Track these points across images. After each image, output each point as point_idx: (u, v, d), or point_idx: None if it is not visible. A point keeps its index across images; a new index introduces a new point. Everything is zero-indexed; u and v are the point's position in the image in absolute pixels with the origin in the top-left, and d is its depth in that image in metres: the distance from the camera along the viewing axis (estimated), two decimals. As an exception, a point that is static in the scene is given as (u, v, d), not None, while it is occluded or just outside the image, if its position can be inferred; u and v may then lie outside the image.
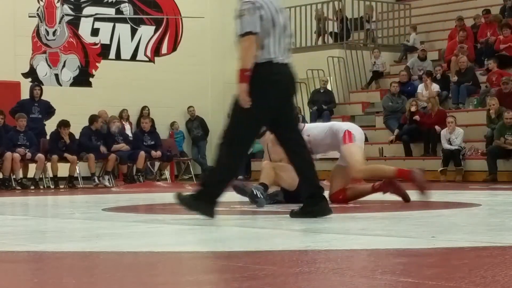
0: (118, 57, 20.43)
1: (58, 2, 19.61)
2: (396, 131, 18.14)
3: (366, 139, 18.98)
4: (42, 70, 19.31)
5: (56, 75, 19.52)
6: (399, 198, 8.51)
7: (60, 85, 19.52)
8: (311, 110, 20.34)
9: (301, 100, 20.88)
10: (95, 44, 20.11)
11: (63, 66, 19.62)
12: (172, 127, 20.76)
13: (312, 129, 8.77)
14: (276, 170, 8.53)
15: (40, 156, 15.56)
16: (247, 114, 6.36)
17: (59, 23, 19.61)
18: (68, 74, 19.69)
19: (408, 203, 8.41)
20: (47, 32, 19.40)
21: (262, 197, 8.11)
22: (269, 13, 6.40)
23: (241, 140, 6.50)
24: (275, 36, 6.43)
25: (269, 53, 6.42)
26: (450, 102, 18.64)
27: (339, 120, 20.21)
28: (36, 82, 18.13)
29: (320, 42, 22.07)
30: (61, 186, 15.66)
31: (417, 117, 17.58)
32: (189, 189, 9.59)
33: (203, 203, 6.44)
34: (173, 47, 21.20)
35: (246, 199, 8.27)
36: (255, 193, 8.10)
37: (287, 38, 6.61)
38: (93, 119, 16.75)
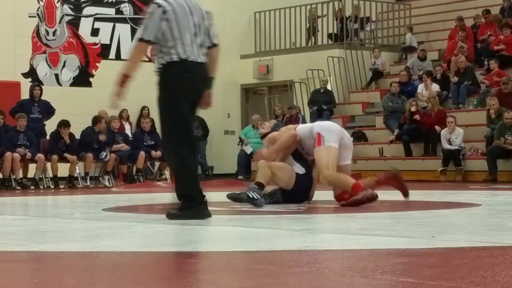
0: (118, 57, 20.41)
1: (58, 2, 19.61)
2: (396, 131, 18.13)
3: (366, 139, 19.06)
4: (42, 70, 19.31)
5: (56, 75, 19.52)
6: (399, 193, 8.51)
7: (60, 85, 19.52)
8: (311, 110, 20.33)
9: (301, 100, 20.89)
10: (95, 44, 20.11)
11: (63, 66, 19.62)
12: None
13: (301, 129, 8.81)
14: (273, 169, 8.53)
15: (40, 156, 15.56)
16: (170, 117, 6.56)
17: (59, 23, 19.61)
18: (68, 74, 19.69)
19: (407, 199, 8.42)
20: (47, 32, 19.40)
21: (259, 197, 8.11)
22: (176, 15, 6.55)
23: (178, 141, 6.57)
24: (185, 37, 6.57)
25: (178, 53, 6.55)
26: (450, 102, 18.64)
27: (339, 120, 20.27)
28: (36, 82, 18.12)
29: (310, 43, 22.01)
30: (61, 186, 15.66)
31: (417, 117, 17.57)
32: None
33: (192, 209, 6.50)
34: (173, 47, 21.18)
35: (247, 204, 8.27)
36: (251, 196, 8.09)
37: (202, 37, 6.70)
38: (96, 120, 16.73)
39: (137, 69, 6.63)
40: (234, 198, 8.35)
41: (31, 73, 19.08)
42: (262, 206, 8.02)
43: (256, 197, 8.07)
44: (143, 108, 20.12)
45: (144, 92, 20.30)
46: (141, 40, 6.55)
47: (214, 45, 6.81)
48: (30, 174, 15.79)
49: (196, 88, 6.64)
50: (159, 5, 6.55)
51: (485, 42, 19.30)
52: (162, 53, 6.58)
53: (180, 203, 6.59)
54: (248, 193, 8.11)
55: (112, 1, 20.36)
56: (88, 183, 16.12)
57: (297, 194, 8.64)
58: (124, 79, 6.54)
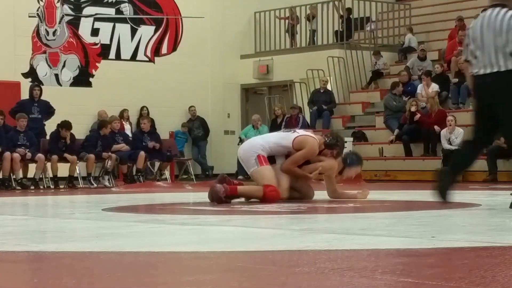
0: (118, 57, 20.43)
1: (58, 2, 19.61)
2: (396, 131, 18.14)
3: (366, 139, 19.05)
4: (42, 70, 19.31)
5: (56, 75, 19.52)
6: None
7: (60, 85, 19.52)
8: (311, 110, 20.33)
9: (301, 100, 20.89)
10: (95, 44, 20.11)
11: (63, 66, 19.62)
12: (182, 127, 20.85)
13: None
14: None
15: (40, 156, 15.54)
16: None
17: (59, 23, 19.61)
18: (68, 74, 19.69)
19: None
20: (47, 32, 19.40)
21: None
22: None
23: None
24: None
25: None
26: (450, 102, 18.64)
27: (339, 120, 20.29)
28: (36, 82, 18.12)
29: (289, 45, 21.96)
30: (61, 186, 15.65)
31: (417, 117, 17.57)
32: (189, 189, 9.58)
33: None
34: (173, 47, 21.20)
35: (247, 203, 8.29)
36: None
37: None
38: (102, 124, 16.71)
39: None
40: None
41: (31, 73, 19.08)
42: None
43: None
44: (142, 108, 20.14)
45: (144, 92, 20.44)
46: None
47: None
48: (30, 174, 15.78)
49: None
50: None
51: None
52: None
53: None
54: None
55: (112, 1, 20.35)
56: (94, 184, 16.07)
57: None
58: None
